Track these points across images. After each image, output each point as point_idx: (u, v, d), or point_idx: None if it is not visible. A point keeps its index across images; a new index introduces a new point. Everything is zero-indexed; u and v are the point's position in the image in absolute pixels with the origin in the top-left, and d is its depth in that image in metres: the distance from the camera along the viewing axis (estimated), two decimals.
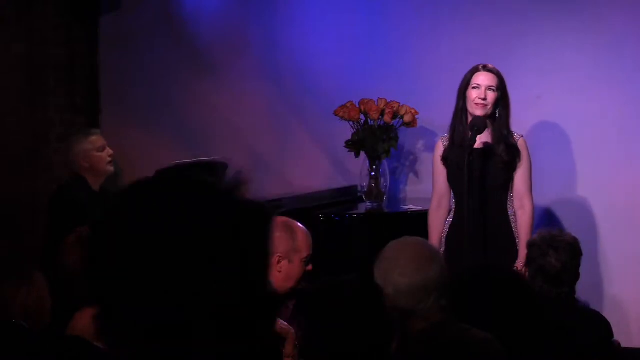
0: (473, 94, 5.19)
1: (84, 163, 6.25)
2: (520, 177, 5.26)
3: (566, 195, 6.07)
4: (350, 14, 6.59)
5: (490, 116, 5.22)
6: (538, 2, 6.20)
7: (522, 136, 5.31)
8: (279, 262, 4.31)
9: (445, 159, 5.26)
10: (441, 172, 5.31)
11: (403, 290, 3.19)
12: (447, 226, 5.29)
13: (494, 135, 5.23)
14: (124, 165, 6.73)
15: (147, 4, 7.00)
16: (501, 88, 5.22)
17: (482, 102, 5.17)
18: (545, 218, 5.47)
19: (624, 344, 4.70)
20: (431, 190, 5.54)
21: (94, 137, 6.36)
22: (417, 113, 6.04)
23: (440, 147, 5.32)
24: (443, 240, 5.27)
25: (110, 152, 6.36)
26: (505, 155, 5.21)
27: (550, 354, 3.91)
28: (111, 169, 6.37)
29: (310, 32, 6.67)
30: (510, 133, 5.25)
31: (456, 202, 5.26)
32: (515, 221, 5.23)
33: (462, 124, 5.22)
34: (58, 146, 6.72)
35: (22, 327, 3.62)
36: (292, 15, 6.71)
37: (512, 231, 5.22)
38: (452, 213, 5.28)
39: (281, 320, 3.97)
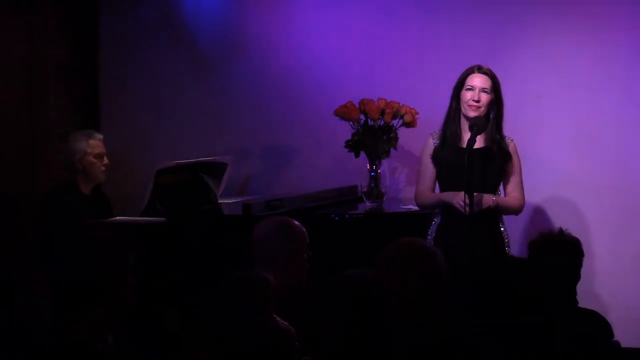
0: (467, 96, 5.17)
1: (77, 164, 6.20)
2: (512, 181, 5.23)
3: (564, 195, 6.07)
4: (350, 14, 6.59)
5: (484, 117, 5.19)
6: (539, 2, 6.20)
7: (513, 140, 5.26)
8: (291, 262, 4.39)
9: (435, 157, 5.23)
10: (430, 170, 5.26)
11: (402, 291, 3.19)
12: (434, 229, 5.24)
13: (487, 137, 5.21)
14: (124, 165, 6.73)
15: (147, 4, 7.00)
16: (495, 90, 5.19)
17: (475, 104, 5.16)
18: (541, 217, 5.47)
19: (623, 344, 4.70)
20: None
21: (94, 142, 6.28)
22: (417, 113, 6.04)
23: (430, 145, 5.27)
24: (431, 243, 5.21)
25: (106, 161, 6.28)
26: (498, 157, 5.19)
27: (551, 353, 3.92)
28: (102, 177, 6.30)
29: (310, 32, 6.67)
30: (502, 136, 5.22)
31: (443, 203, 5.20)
32: (503, 222, 5.20)
33: (456, 124, 5.20)
34: (58, 146, 6.71)
35: (22, 325, 3.62)
36: (292, 16, 6.71)
37: (501, 233, 5.19)
38: (438, 215, 5.23)
39: (281, 320, 3.98)
